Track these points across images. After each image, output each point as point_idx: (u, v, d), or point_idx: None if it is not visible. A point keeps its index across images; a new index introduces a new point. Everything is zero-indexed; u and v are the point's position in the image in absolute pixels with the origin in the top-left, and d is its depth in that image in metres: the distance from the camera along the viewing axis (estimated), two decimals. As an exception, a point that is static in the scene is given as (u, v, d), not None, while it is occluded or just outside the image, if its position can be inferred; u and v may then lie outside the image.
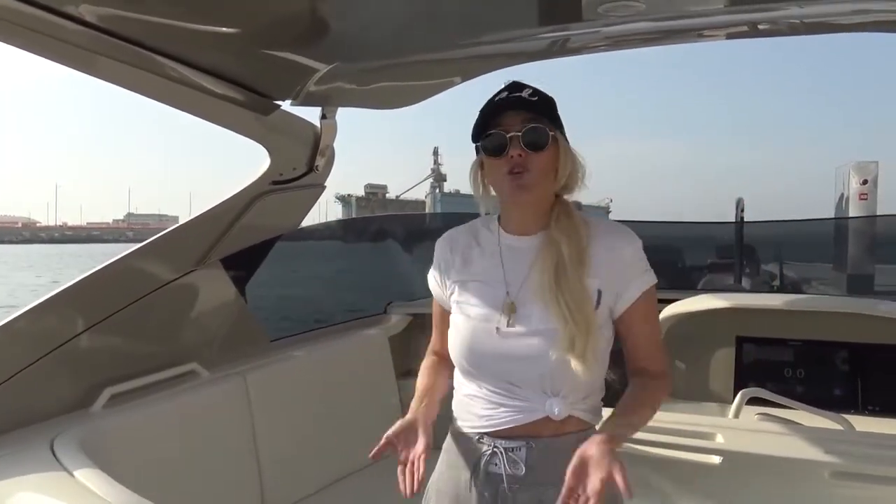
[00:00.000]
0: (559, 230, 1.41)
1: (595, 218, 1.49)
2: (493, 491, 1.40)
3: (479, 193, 1.50)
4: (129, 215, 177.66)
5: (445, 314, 1.56)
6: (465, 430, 1.46)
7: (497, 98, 1.43)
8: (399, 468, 1.36)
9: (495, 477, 1.40)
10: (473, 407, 1.44)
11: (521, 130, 1.39)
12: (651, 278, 1.44)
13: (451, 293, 1.52)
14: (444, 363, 1.59)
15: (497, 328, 1.40)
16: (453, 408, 1.52)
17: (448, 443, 1.52)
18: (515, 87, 1.44)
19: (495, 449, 1.40)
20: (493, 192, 1.48)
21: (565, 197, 1.48)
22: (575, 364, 1.33)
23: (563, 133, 1.45)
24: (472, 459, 1.43)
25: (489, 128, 1.41)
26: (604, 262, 1.41)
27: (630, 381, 1.46)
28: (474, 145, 1.47)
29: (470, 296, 1.46)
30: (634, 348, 1.46)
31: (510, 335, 1.39)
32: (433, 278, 1.57)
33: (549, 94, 1.46)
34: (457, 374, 1.51)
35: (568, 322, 1.34)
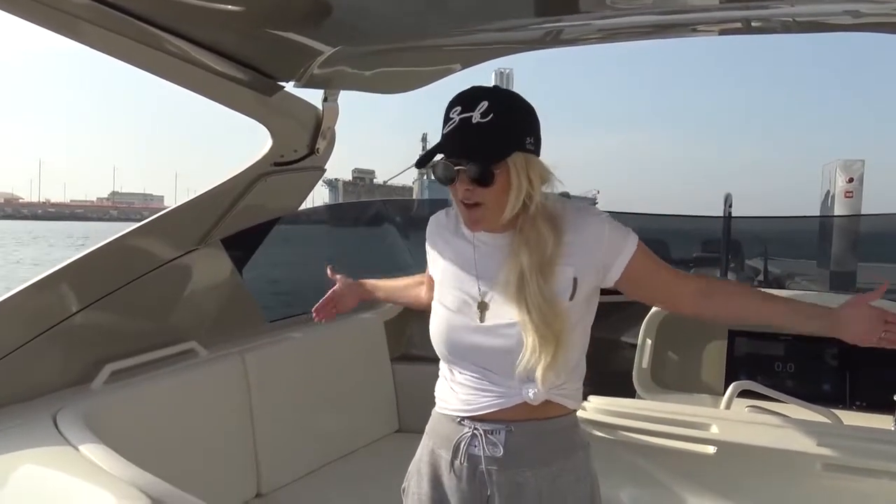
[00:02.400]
0: (521, 241, 1.40)
1: (561, 206, 1.44)
2: (472, 472, 1.43)
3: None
4: (114, 194, 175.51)
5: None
6: (447, 412, 1.49)
7: (448, 119, 1.36)
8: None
9: (474, 458, 1.43)
10: (456, 392, 1.47)
11: (466, 165, 1.34)
12: (634, 237, 1.44)
13: (434, 273, 1.57)
14: (423, 288, 1.79)
15: (471, 321, 1.43)
16: (436, 392, 1.55)
17: (430, 425, 1.55)
18: (468, 103, 1.34)
19: (475, 431, 1.43)
20: None
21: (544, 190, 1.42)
22: (543, 368, 1.34)
23: (523, 146, 1.36)
24: (452, 441, 1.45)
25: (437, 153, 1.38)
26: (575, 246, 1.40)
27: (701, 310, 1.49)
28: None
29: (446, 288, 1.50)
30: (656, 298, 1.57)
31: (483, 329, 1.42)
32: (427, 248, 1.62)
33: (510, 97, 1.38)
34: (441, 360, 1.54)
35: (532, 334, 1.35)
